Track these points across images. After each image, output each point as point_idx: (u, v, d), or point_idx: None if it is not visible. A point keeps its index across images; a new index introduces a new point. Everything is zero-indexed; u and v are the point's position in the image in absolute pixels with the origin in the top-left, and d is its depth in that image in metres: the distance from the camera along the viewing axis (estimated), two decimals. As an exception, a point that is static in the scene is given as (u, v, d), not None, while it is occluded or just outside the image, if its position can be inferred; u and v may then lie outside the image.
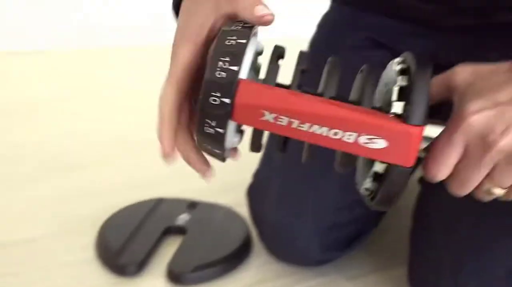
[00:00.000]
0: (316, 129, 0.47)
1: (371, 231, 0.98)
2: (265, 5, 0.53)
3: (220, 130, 0.48)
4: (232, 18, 0.54)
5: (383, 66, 0.94)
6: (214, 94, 0.47)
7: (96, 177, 1.30)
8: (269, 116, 0.47)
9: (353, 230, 0.94)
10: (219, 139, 0.49)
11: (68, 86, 1.95)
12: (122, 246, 0.98)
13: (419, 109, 0.46)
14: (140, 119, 1.35)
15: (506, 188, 0.52)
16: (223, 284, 0.94)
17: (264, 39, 0.55)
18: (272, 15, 0.52)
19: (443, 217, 0.83)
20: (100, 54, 2.27)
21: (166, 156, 0.54)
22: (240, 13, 0.53)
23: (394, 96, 0.49)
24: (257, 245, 1.02)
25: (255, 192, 0.96)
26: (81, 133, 1.56)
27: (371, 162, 0.52)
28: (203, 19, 0.54)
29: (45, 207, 1.16)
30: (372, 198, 0.53)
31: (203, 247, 0.98)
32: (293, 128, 0.47)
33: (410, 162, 0.47)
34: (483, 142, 0.49)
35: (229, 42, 0.48)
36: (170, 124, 0.54)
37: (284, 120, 0.47)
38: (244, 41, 0.48)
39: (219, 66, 0.47)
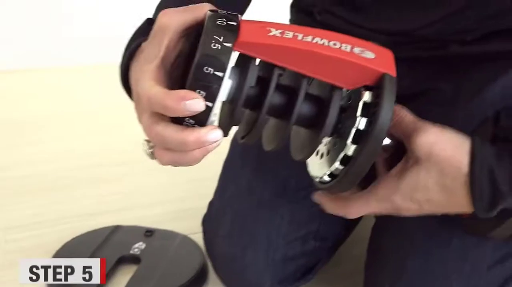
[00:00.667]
0: (318, 40, 0.51)
1: (327, 260, 0.97)
2: None
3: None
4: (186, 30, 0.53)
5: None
6: (207, 68, 0.47)
7: (51, 204, 1.28)
8: (275, 32, 0.51)
9: (307, 262, 0.93)
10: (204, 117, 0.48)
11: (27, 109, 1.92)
12: (75, 275, 0.96)
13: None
14: (98, 144, 1.34)
15: None
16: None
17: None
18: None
19: (394, 253, 0.83)
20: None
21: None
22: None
23: None
24: (213, 274, 1.01)
25: (208, 223, 0.96)
26: (36, 159, 1.52)
27: (336, 151, 0.54)
28: (157, 44, 0.53)
29: (9, 233, 1.14)
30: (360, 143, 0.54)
31: (156, 277, 0.97)
32: (299, 40, 0.51)
33: (394, 73, 0.54)
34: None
35: (220, 22, 0.50)
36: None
37: (289, 34, 0.51)
38: (235, 23, 0.50)
39: (212, 42, 0.48)
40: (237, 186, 0.91)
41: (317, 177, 0.57)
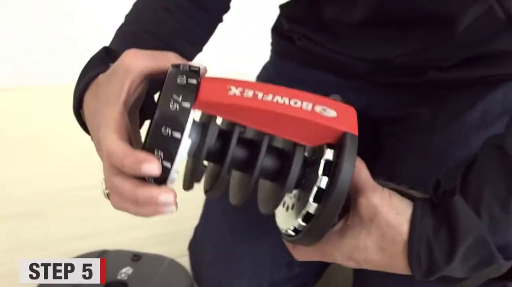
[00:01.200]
0: (279, 99, 0.51)
1: (313, 285, 0.97)
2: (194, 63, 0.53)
3: (167, 165, 0.48)
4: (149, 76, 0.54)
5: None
6: (165, 128, 0.47)
7: (37, 228, 1.27)
8: (235, 90, 0.51)
9: (294, 286, 0.93)
10: (164, 176, 0.48)
11: (21, 128, 1.90)
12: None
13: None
14: (81, 166, 1.32)
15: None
16: None
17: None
18: (205, 69, 0.53)
19: (378, 277, 0.83)
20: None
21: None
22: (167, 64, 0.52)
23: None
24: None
25: (194, 248, 0.96)
26: (22, 181, 1.51)
27: (300, 206, 0.54)
28: (118, 85, 0.52)
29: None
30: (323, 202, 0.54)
31: (143, 303, 0.97)
32: (259, 99, 0.50)
33: (356, 131, 0.53)
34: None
35: (180, 80, 0.50)
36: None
37: (249, 92, 0.51)
38: (194, 81, 0.50)
39: (171, 101, 0.48)
40: (221, 212, 0.91)
41: (283, 229, 0.57)
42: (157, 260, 1.09)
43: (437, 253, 0.53)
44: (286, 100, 0.51)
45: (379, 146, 0.93)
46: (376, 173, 0.90)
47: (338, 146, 0.52)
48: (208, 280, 0.92)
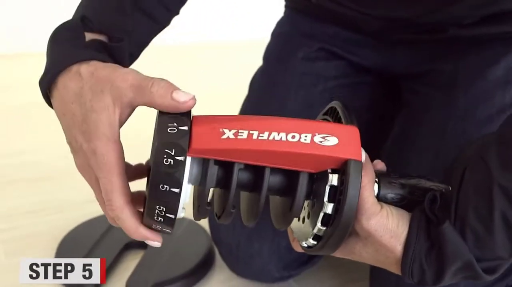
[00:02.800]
0: (275, 135, 0.50)
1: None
2: (181, 90, 0.51)
3: (175, 190, 0.48)
4: (137, 106, 0.53)
5: (333, 77, 0.93)
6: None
7: (58, 191, 1.28)
8: (229, 133, 0.49)
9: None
10: (174, 201, 0.48)
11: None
12: (81, 262, 0.96)
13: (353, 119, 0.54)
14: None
15: None
16: (183, 301, 0.94)
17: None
18: (194, 98, 0.51)
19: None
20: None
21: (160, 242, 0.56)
22: (157, 103, 0.50)
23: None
24: (220, 260, 1.01)
25: (213, 209, 0.95)
26: (45, 145, 1.52)
27: (315, 215, 0.53)
28: (108, 117, 0.51)
29: (5, 221, 1.14)
30: (331, 225, 0.54)
31: (163, 263, 0.97)
32: (254, 139, 0.49)
33: (359, 156, 0.51)
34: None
35: (171, 129, 0.49)
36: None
37: (244, 133, 0.49)
38: (185, 127, 0.50)
39: (165, 158, 0.47)
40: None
41: (303, 242, 0.57)
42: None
43: (427, 274, 0.55)
44: (283, 136, 0.50)
45: (400, 101, 0.92)
46: (398, 130, 0.90)
47: (342, 171, 0.52)
48: (227, 242, 0.92)
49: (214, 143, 0.49)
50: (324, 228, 0.53)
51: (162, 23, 0.71)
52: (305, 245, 0.56)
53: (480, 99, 0.80)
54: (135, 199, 0.54)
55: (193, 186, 0.53)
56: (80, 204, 1.20)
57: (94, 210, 1.14)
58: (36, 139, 1.58)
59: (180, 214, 0.50)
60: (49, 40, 0.59)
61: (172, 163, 0.47)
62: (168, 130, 0.48)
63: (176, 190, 0.48)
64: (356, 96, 0.94)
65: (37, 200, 1.23)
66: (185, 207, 0.52)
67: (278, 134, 0.50)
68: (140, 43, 0.68)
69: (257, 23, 2.24)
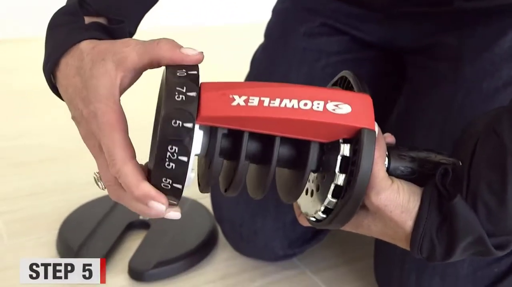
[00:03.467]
0: (287, 103, 0.48)
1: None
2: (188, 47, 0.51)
3: (183, 158, 0.46)
4: (143, 69, 0.52)
5: (336, 53, 0.91)
6: (175, 121, 0.45)
7: (59, 173, 1.28)
8: (239, 100, 0.47)
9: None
10: (181, 170, 0.46)
11: (40, 78, 1.91)
12: (84, 242, 0.96)
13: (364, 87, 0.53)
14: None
15: None
16: (186, 279, 0.93)
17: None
18: (201, 53, 0.50)
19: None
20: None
21: (166, 204, 0.50)
22: (165, 56, 0.50)
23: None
24: (223, 239, 1.01)
25: (216, 188, 0.94)
26: (46, 127, 1.53)
27: (326, 187, 0.52)
28: (109, 80, 0.51)
29: (7, 204, 1.14)
30: (342, 197, 0.52)
31: (166, 242, 0.97)
32: (265, 106, 0.47)
33: (373, 124, 0.50)
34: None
35: (180, 74, 0.47)
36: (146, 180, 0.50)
37: (255, 100, 0.47)
38: (195, 72, 0.48)
39: (176, 94, 0.46)
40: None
41: (311, 216, 0.55)
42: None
43: (438, 250, 0.54)
44: (295, 103, 0.48)
45: (405, 76, 0.91)
46: (402, 105, 0.88)
47: (354, 141, 0.50)
48: (230, 218, 0.91)
49: (224, 110, 0.47)
50: (335, 200, 0.52)
51: None
52: (313, 219, 0.55)
53: (487, 72, 0.78)
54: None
55: (197, 157, 0.52)
56: (82, 185, 1.20)
57: (96, 191, 1.13)
58: (37, 122, 1.58)
59: (191, 173, 0.48)
60: (47, 26, 0.58)
61: (180, 127, 0.45)
62: (175, 97, 0.45)
63: (184, 158, 0.46)
64: (359, 71, 0.92)
65: (39, 182, 1.22)
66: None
67: (290, 101, 0.48)
68: (136, 21, 0.67)
69: (257, 6, 2.21)
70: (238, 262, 0.97)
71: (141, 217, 1.03)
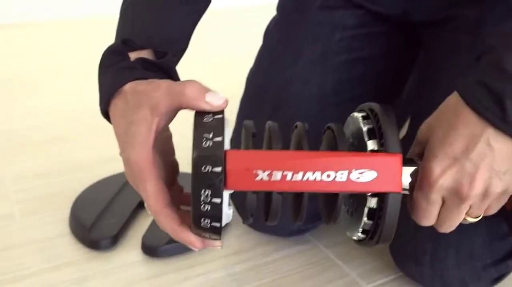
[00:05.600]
0: (310, 176, 0.49)
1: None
2: (212, 91, 0.52)
3: (216, 200, 0.48)
4: (176, 111, 0.54)
5: (351, 27, 0.90)
6: (205, 166, 0.48)
7: (71, 151, 1.28)
8: (263, 175, 0.49)
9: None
10: (216, 211, 0.49)
11: (47, 60, 1.92)
12: (96, 220, 0.96)
13: (395, 139, 0.51)
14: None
15: (479, 216, 0.57)
16: (199, 255, 0.93)
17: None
18: (226, 100, 0.53)
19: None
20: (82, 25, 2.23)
21: (201, 248, 0.55)
22: (191, 105, 0.52)
23: (366, 137, 0.53)
24: (236, 214, 1.00)
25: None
26: (57, 107, 1.54)
27: (361, 207, 0.54)
28: (146, 126, 0.53)
29: (20, 182, 1.14)
30: (371, 238, 0.54)
31: (178, 219, 0.96)
32: (288, 181, 0.49)
33: (399, 187, 0.51)
34: (457, 196, 0.53)
35: (207, 119, 0.50)
36: (181, 226, 0.54)
37: (278, 175, 0.49)
38: (220, 115, 0.51)
39: (204, 141, 0.48)
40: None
41: (354, 236, 0.57)
42: (189, 178, 1.07)
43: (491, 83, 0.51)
44: (318, 175, 0.49)
45: (420, 50, 0.90)
46: (417, 78, 0.87)
47: (381, 198, 0.52)
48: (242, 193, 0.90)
49: (248, 185, 0.49)
50: (370, 222, 0.54)
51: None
52: (356, 239, 0.57)
53: None
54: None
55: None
56: (92, 164, 1.21)
57: (107, 170, 1.14)
58: (46, 103, 1.59)
59: (228, 219, 0.51)
60: (99, 65, 0.61)
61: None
62: (201, 169, 0.48)
63: (218, 200, 0.48)
64: (374, 46, 0.92)
65: (50, 162, 1.23)
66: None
67: (313, 174, 0.49)
68: (184, 41, 0.70)
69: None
70: (251, 238, 0.97)
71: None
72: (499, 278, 0.81)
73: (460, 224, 0.75)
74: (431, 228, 0.78)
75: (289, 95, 0.88)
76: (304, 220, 0.89)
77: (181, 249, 0.92)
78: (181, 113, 0.56)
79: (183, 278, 0.87)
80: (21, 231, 0.99)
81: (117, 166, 1.13)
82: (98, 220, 0.96)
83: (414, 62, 0.90)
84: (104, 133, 1.34)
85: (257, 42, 1.01)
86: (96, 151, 1.27)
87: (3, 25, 2.25)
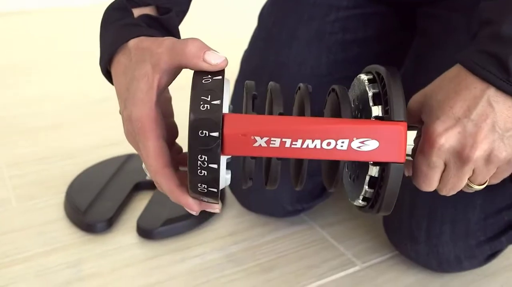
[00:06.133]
0: (309, 143, 0.48)
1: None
2: (213, 50, 0.51)
3: (213, 166, 0.47)
4: (177, 70, 0.52)
5: (345, 7, 0.89)
6: (202, 131, 0.46)
7: (66, 137, 1.28)
8: (261, 141, 0.48)
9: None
10: (214, 176, 0.48)
11: (41, 48, 1.92)
12: (91, 203, 0.96)
13: (400, 107, 0.49)
14: (98, 81, 1.33)
15: (484, 183, 0.56)
16: (195, 236, 0.93)
17: None
18: (226, 60, 0.50)
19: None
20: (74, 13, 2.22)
21: (198, 211, 0.55)
22: (189, 64, 0.50)
23: (371, 102, 0.52)
24: (231, 196, 1.01)
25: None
26: (52, 95, 1.54)
27: (363, 174, 0.53)
28: (147, 83, 0.52)
29: (15, 168, 1.14)
30: (372, 206, 0.54)
31: (172, 201, 0.96)
32: (287, 147, 0.48)
33: (402, 157, 0.49)
34: (459, 158, 0.53)
35: (205, 80, 0.48)
36: (180, 188, 0.52)
37: (276, 141, 0.48)
38: (220, 77, 0.49)
39: (201, 103, 0.46)
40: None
41: (355, 202, 0.56)
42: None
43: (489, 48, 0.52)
44: (318, 143, 0.48)
45: (416, 30, 0.89)
46: (414, 59, 0.87)
47: (382, 167, 0.51)
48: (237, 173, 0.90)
49: (246, 151, 0.48)
50: (371, 190, 0.53)
51: None
52: (357, 205, 0.56)
53: None
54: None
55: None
56: (88, 150, 1.20)
57: (103, 154, 1.14)
58: (42, 90, 1.59)
59: (226, 183, 0.51)
60: (101, 23, 0.60)
61: (207, 138, 0.46)
62: (199, 133, 0.46)
63: (214, 165, 0.47)
64: (368, 27, 0.91)
65: (46, 148, 1.23)
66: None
67: (313, 142, 0.48)
68: (184, 9, 0.68)
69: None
70: (246, 219, 0.97)
71: (147, 178, 1.02)
72: (493, 255, 0.81)
73: (461, 195, 0.75)
74: (427, 204, 0.78)
75: (284, 76, 0.88)
76: (301, 199, 0.90)
77: (176, 231, 0.92)
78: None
79: (179, 259, 0.87)
80: (17, 216, 0.99)
81: (112, 151, 1.14)
82: (93, 203, 0.96)
83: (409, 45, 0.90)
84: (99, 119, 1.36)
85: (251, 24, 1.01)
86: (92, 137, 1.27)
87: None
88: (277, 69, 0.89)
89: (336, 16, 0.90)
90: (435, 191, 0.59)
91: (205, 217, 0.96)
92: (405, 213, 0.79)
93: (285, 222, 0.96)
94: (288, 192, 0.89)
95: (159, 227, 0.91)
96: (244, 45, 0.99)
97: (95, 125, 1.31)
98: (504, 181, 0.59)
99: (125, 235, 0.93)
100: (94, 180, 1.03)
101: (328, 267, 0.86)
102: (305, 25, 0.90)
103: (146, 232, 0.91)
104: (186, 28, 0.52)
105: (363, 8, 0.91)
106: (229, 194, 1.01)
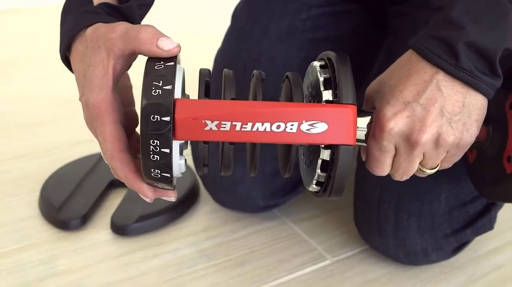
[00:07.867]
0: (259, 126, 0.49)
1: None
2: (166, 37, 0.51)
3: (165, 150, 0.48)
4: (132, 55, 0.53)
5: (318, 5, 0.90)
6: (153, 116, 0.47)
7: (42, 137, 1.28)
8: (211, 125, 0.48)
9: (297, 174, 0.93)
10: (166, 161, 0.48)
11: (20, 46, 1.91)
12: (66, 200, 0.96)
13: (348, 90, 0.51)
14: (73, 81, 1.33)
15: (435, 167, 0.58)
16: (168, 232, 0.94)
17: None
18: (179, 46, 0.51)
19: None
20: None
21: (152, 198, 0.55)
22: (142, 49, 0.51)
23: (322, 87, 0.53)
24: (205, 193, 1.02)
25: (194, 143, 0.94)
26: (30, 92, 1.53)
27: (316, 159, 0.54)
28: (102, 69, 0.52)
29: (-11, 166, 1.14)
30: (324, 190, 0.55)
31: (147, 198, 0.97)
32: (237, 131, 0.49)
33: (351, 139, 0.50)
34: (408, 142, 0.54)
35: (158, 67, 0.49)
36: (135, 173, 0.53)
37: (227, 125, 0.48)
38: (172, 63, 0.50)
39: (153, 89, 0.47)
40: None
41: (310, 188, 0.57)
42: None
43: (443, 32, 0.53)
44: (268, 126, 0.49)
45: (388, 28, 0.91)
46: (385, 57, 0.88)
47: (333, 149, 0.52)
48: (211, 171, 0.91)
49: (197, 136, 0.49)
50: (324, 174, 0.54)
51: None
52: (312, 190, 0.57)
53: None
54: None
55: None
56: (65, 147, 1.21)
57: (79, 151, 1.15)
58: (18, 88, 1.58)
59: (180, 169, 0.51)
60: (62, 11, 0.60)
61: (159, 123, 0.47)
62: (151, 118, 0.47)
63: (167, 150, 0.48)
64: (340, 25, 0.93)
65: (21, 146, 1.22)
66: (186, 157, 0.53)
67: (262, 125, 0.49)
68: (149, 2, 0.68)
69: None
70: (220, 215, 0.98)
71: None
72: (459, 247, 0.83)
73: (427, 189, 0.77)
74: (394, 198, 0.80)
75: (256, 72, 0.89)
76: (274, 195, 0.92)
77: (150, 227, 0.93)
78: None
79: (152, 255, 0.88)
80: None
81: (88, 149, 1.14)
82: (68, 200, 0.96)
83: (382, 42, 0.92)
84: (75, 117, 1.35)
85: (224, 23, 1.02)
86: (68, 135, 1.27)
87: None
88: (249, 65, 0.90)
89: (308, 15, 0.91)
90: (402, 182, 0.61)
91: (179, 213, 0.97)
92: (373, 207, 0.81)
93: (258, 217, 0.97)
94: (260, 188, 0.90)
95: (133, 223, 0.92)
96: (218, 43, 1.00)
97: (72, 123, 1.31)
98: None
99: (99, 232, 0.93)
100: (68, 178, 1.03)
101: (299, 261, 0.88)
102: (277, 21, 0.91)
103: (120, 228, 0.92)
104: (159, 25, 0.53)
105: (336, 6, 0.92)
106: (202, 190, 1.02)
